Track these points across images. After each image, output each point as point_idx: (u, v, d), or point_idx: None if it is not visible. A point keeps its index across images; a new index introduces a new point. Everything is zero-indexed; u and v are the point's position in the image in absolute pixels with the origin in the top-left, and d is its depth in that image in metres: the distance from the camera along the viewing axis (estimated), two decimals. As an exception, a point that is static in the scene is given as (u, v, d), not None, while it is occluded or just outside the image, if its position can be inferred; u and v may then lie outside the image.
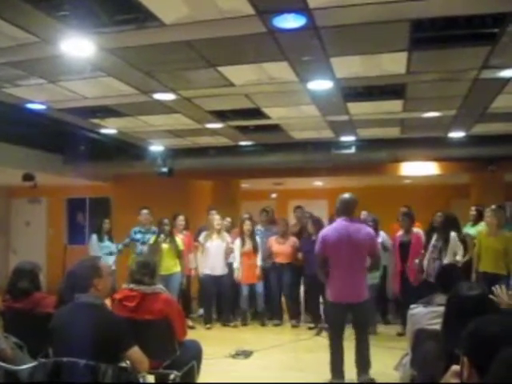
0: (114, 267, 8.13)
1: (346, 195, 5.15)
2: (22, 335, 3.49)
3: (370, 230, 5.25)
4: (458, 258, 6.84)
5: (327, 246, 5.01)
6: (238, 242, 8.27)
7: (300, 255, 7.88)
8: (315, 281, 7.40)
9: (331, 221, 7.78)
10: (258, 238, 8.33)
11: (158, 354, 3.70)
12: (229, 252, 8.23)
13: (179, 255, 7.69)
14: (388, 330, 7.50)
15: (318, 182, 13.03)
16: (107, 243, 8.64)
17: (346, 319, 5.15)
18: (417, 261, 7.03)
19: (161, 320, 3.95)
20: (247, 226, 8.27)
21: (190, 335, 4.51)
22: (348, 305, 4.95)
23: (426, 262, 7.06)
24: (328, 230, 5.18)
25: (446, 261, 6.83)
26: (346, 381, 5.02)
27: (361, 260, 4.97)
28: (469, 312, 2.42)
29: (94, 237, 8.70)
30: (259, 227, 8.80)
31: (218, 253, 8.11)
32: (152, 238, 7.81)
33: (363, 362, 5.01)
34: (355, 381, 5.02)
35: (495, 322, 1.73)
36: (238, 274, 8.16)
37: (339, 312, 5.03)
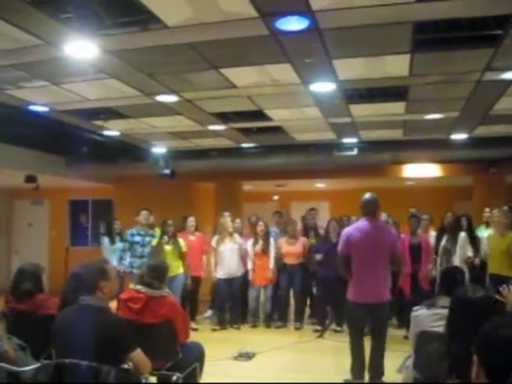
0: (128, 269, 8.02)
1: (367, 195, 5.11)
2: (24, 337, 3.49)
3: (393, 231, 5.29)
4: (469, 253, 6.85)
5: (351, 244, 4.96)
6: (250, 242, 8.25)
7: (318, 256, 7.75)
8: (325, 283, 7.40)
9: (338, 222, 7.82)
10: (272, 240, 8.30)
11: (160, 356, 3.70)
12: (244, 254, 8.18)
13: (182, 257, 7.68)
14: (393, 333, 7.48)
15: (320, 184, 13.02)
16: (119, 245, 8.48)
17: (367, 320, 5.09)
18: (430, 266, 7.03)
19: (164, 323, 3.95)
20: (261, 226, 8.24)
21: (194, 337, 4.51)
22: (369, 305, 4.86)
23: (438, 264, 7.04)
24: (351, 229, 5.12)
25: (456, 261, 6.82)
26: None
27: (383, 260, 4.92)
28: (474, 314, 2.41)
29: (106, 240, 8.58)
30: (274, 229, 8.78)
31: (232, 256, 8.06)
32: (154, 240, 7.78)
33: (377, 369, 4.92)
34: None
35: (508, 325, 1.72)
36: (251, 276, 8.15)
37: (360, 312, 4.94)
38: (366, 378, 4.98)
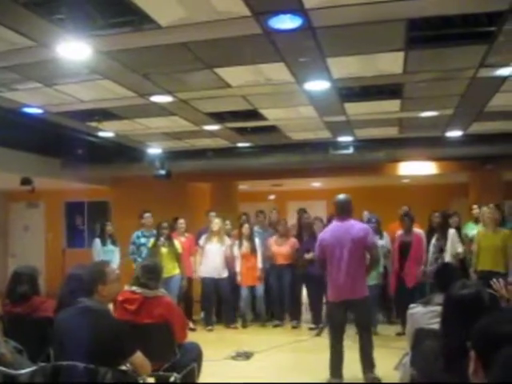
0: (117, 271, 8.00)
1: (340, 196, 5.23)
2: (21, 339, 3.48)
3: (364, 225, 5.35)
4: (460, 250, 6.91)
5: (324, 248, 5.09)
6: (236, 243, 8.26)
7: (308, 256, 7.79)
8: (317, 281, 7.40)
9: (330, 220, 7.83)
10: (257, 240, 8.31)
11: (158, 357, 3.69)
12: (229, 255, 8.20)
13: (178, 258, 7.68)
14: (388, 330, 7.50)
15: (317, 183, 13.03)
16: (110, 247, 8.49)
17: (347, 319, 5.14)
18: (422, 267, 7.06)
19: (161, 324, 3.94)
20: (245, 228, 8.27)
21: (191, 337, 4.50)
22: (347, 302, 4.96)
23: (428, 263, 7.07)
24: (325, 233, 5.27)
25: (447, 258, 6.88)
26: (345, 380, 5.04)
27: (358, 257, 4.99)
28: (465, 310, 2.41)
29: (98, 241, 8.54)
30: (256, 228, 8.78)
31: (216, 256, 8.09)
32: (151, 241, 7.78)
33: (367, 361, 5.02)
34: (353, 380, 5.05)
35: (507, 321, 1.72)
36: (239, 277, 8.16)
37: (339, 311, 5.05)
38: (347, 376, 5.04)
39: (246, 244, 8.21)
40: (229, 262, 8.23)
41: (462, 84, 5.82)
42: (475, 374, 1.65)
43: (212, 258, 8.08)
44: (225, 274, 8.16)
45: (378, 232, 7.54)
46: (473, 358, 1.67)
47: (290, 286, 8.16)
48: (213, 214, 8.54)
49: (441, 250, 7.05)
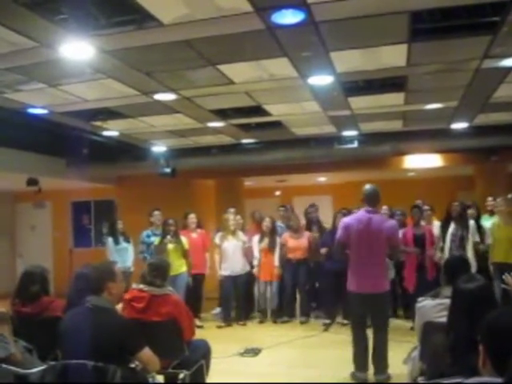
0: (132, 269, 8.08)
1: (368, 186, 5.15)
2: (30, 339, 3.50)
3: (393, 222, 5.27)
4: (477, 239, 6.85)
5: (349, 233, 5.00)
6: (255, 238, 8.25)
7: (323, 250, 7.76)
8: (332, 276, 7.40)
9: (344, 215, 7.81)
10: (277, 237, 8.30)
11: (166, 354, 3.70)
12: (247, 251, 8.20)
13: (185, 255, 7.68)
14: (397, 324, 7.48)
15: (322, 178, 13.01)
16: (124, 245, 8.52)
17: (367, 311, 5.08)
18: (438, 253, 7.03)
19: (168, 321, 3.95)
20: (267, 223, 8.25)
21: (199, 334, 4.51)
22: (368, 296, 4.90)
23: (446, 252, 7.02)
24: (351, 219, 5.18)
25: (469, 248, 6.81)
26: (370, 374, 4.98)
27: (382, 251, 4.97)
28: (470, 304, 2.40)
29: (110, 240, 8.56)
30: (279, 223, 8.76)
31: (235, 252, 8.09)
32: (157, 239, 7.79)
33: (379, 361, 4.94)
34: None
35: None
36: (257, 271, 8.18)
37: (361, 302, 4.98)
38: (371, 368, 4.99)
39: (266, 239, 8.20)
40: (248, 257, 8.24)
41: (467, 75, 5.79)
42: (484, 367, 1.65)
43: (232, 255, 8.07)
44: (244, 271, 8.16)
45: (404, 225, 7.53)
46: (481, 352, 1.67)
47: (305, 281, 8.13)
48: (232, 209, 8.46)
49: (461, 238, 6.99)
